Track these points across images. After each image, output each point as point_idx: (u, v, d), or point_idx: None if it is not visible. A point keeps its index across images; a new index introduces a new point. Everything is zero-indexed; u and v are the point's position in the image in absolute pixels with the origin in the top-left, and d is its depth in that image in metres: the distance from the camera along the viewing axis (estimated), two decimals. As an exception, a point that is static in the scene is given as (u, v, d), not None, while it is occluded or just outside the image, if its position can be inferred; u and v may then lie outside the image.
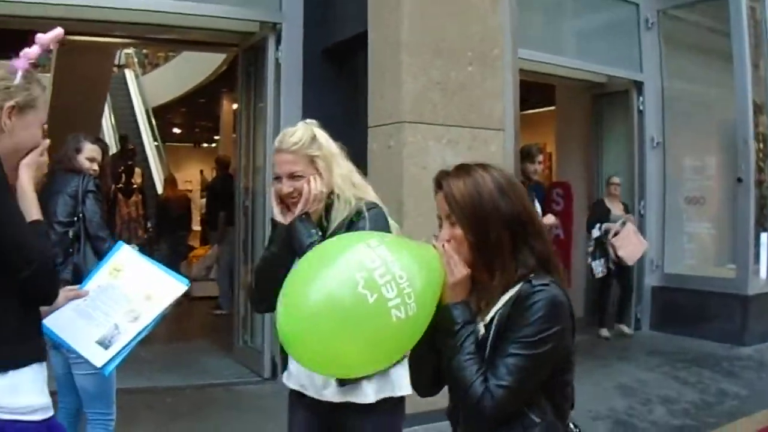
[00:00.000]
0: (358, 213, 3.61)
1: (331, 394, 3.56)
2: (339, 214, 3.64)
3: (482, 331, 2.61)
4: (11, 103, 2.72)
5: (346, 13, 8.30)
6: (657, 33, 11.43)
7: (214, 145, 30.69)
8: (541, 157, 8.73)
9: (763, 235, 10.68)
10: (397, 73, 6.98)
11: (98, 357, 3.41)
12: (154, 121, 24.74)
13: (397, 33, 7.02)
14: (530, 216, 2.69)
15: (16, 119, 2.75)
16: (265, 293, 3.41)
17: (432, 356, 2.71)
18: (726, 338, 9.60)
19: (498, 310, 2.59)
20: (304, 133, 3.59)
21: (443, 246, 2.62)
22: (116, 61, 22.90)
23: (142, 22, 8.77)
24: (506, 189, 2.64)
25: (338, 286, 2.43)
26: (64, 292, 3.34)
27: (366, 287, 2.39)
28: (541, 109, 14.42)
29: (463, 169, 2.69)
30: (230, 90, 21.11)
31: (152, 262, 3.66)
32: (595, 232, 11.06)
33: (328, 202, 3.66)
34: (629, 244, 10.92)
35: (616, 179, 11.24)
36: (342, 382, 3.50)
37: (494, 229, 2.60)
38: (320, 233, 3.55)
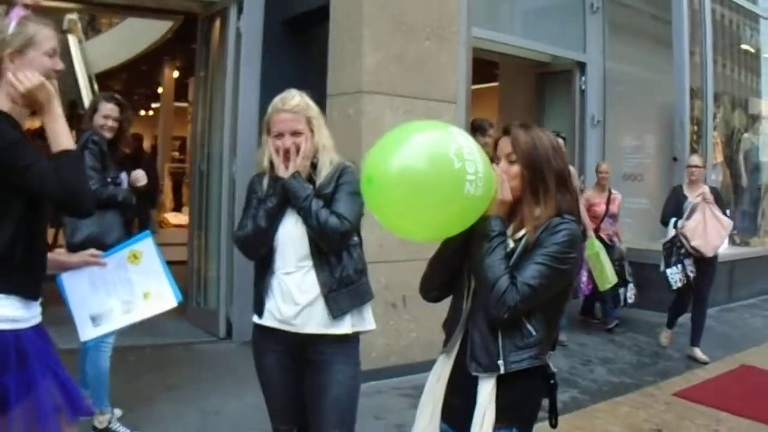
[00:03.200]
0: (343, 169, 4.04)
1: (314, 327, 3.95)
2: (324, 170, 4.01)
3: (511, 244, 3.14)
4: (9, 50, 3.12)
5: (309, -15, 8.45)
6: (602, 17, 11.79)
7: (151, 113, 30.46)
8: (491, 132, 8.91)
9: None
10: (358, 45, 7.27)
11: (86, 331, 3.71)
12: (97, 88, 24.39)
13: (359, 6, 7.29)
14: (568, 174, 3.27)
15: (19, 61, 3.13)
16: (266, 240, 3.95)
17: (452, 260, 3.26)
18: (660, 307, 9.96)
19: (527, 232, 3.13)
20: (301, 98, 4.01)
21: (501, 173, 3.16)
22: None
23: None
24: (557, 148, 3.25)
25: (432, 146, 2.91)
26: (85, 256, 3.74)
27: (455, 155, 2.87)
28: (483, 85, 14.60)
29: (526, 125, 3.28)
30: (173, 58, 21.02)
31: (164, 263, 3.86)
32: (671, 231, 9.16)
33: (314, 160, 4.02)
34: (705, 231, 8.90)
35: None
36: (336, 314, 3.95)
37: (545, 174, 3.16)
38: (311, 187, 3.95)
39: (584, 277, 9.67)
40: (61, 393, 3.17)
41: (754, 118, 14.86)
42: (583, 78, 11.62)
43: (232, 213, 8.43)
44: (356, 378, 4.14)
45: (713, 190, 9.50)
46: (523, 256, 3.08)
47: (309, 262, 3.97)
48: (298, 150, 3.94)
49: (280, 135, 3.95)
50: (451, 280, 3.34)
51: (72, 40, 27.57)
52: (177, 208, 17.11)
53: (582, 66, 11.65)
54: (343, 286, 4.00)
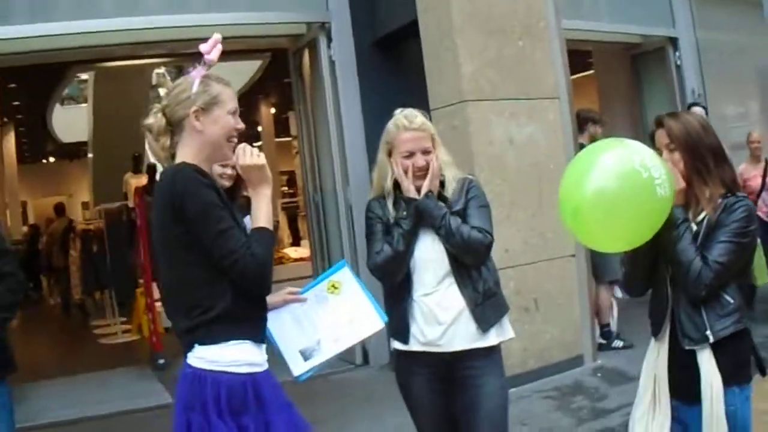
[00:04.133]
0: (469, 183, 4.10)
1: (460, 343, 3.96)
2: (450, 187, 4.04)
3: (694, 227, 3.46)
4: (195, 107, 3.26)
5: (393, 4, 8.56)
6: (686, -12, 11.54)
7: (257, 152, 30.81)
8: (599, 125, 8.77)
9: None
10: (454, 55, 7.31)
11: (298, 366, 3.77)
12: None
13: (448, 16, 7.33)
14: (722, 148, 3.56)
15: (204, 118, 3.28)
16: (404, 264, 3.97)
17: (650, 253, 3.54)
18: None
19: (707, 214, 3.45)
20: (423, 115, 4.05)
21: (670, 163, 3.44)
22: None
23: (179, 38, 8.91)
24: (706, 126, 3.54)
25: (620, 164, 3.21)
26: (285, 294, 3.85)
27: (640, 166, 3.16)
28: (579, 75, 14.48)
29: (675, 113, 3.68)
30: (267, 95, 21.10)
31: (364, 288, 3.88)
32: None
33: (441, 178, 4.04)
34: None
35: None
36: (484, 327, 3.97)
37: (702, 152, 3.46)
38: (444, 205, 3.98)
39: None
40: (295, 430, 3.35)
41: None
42: (677, 53, 11.35)
43: (353, 239, 8.53)
44: (505, 388, 4.17)
45: None
46: (708, 236, 3.41)
47: (449, 280, 3.98)
48: (425, 171, 3.95)
49: (410, 154, 3.94)
50: (650, 273, 3.65)
51: (163, 94, 28.11)
52: (295, 243, 17.25)
53: (674, 41, 11.40)
54: (487, 298, 4.01)
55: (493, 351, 4.06)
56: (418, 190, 3.93)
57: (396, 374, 4.22)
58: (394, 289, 4.01)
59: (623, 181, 3.17)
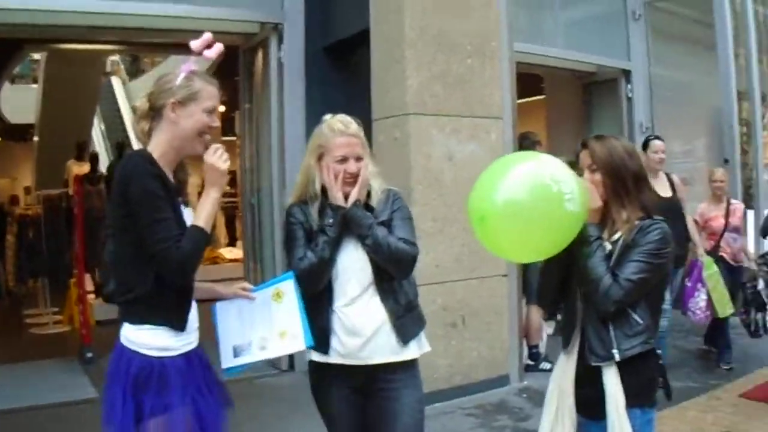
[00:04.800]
0: (394, 195, 4.06)
1: (381, 356, 3.91)
2: (377, 197, 3.99)
3: (608, 247, 3.55)
4: (173, 99, 3.43)
5: (347, 12, 8.53)
6: (644, 23, 11.64)
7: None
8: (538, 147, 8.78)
9: (750, 213, 10.52)
10: (401, 67, 7.26)
11: (227, 359, 3.89)
12: (142, 129, 24.50)
13: (400, 29, 7.29)
14: (645, 174, 3.69)
15: (180, 111, 3.44)
16: (329, 271, 3.91)
17: (562, 267, 3.65)
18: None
19: (622, 234, 3.54)
20: (358, 123, 4.00)
21: (588, 183, 3.55)
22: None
23: (134, 26, 8.80)
24: (631, 152, 3.65)
25: (530, 176, 3.28)
26: (237, 288, 3.96)
27: (551, 179, 3.22)
28: (530, 99, 14.53)
29: (601, 136, 3.70)
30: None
31: (302, 305, 3.85)
32: None
33: (368, 188, 3.99)
34: None
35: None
36: (405, 340, 3.94)
37: (623, 176, 3.55)
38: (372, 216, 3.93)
39: (702, 302, 8.49)
40: (197, 420, 3.45)
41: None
42: (629, 86, 11.46)
43: (286, 243, 8.35)
44: (422, 401, 4.11)
45: None
46: (622, 256, 3.50)
47: (371, 291, 3.93)
48: (355, 178, 3.91)
49: (344, 159, 3.88)
50: (562, 286, 3.76)
51: (116, 82, 27.90)
52: (231, 243, 17.18)
53: (627, 74, 11.51)
54: (408, 311, 3.98)
55: (412, 364, 4.03)
56: (346, 198, 3.88)
57: (312, 386, 4.15)
58: (315, 298, 3.92)
59: (532, 193, 3.23)
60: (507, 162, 3.50)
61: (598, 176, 3.57)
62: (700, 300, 8.46)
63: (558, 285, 3.77)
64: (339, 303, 3.92)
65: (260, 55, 9.11)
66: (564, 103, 12.92)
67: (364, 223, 3.84)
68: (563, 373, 3.73)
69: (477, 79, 7.72)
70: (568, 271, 3.66)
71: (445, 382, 7.34)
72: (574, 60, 11.06)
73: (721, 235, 9.01)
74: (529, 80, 12.36)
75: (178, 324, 3.45)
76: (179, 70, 3.52)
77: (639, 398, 3.52)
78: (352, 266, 3.92)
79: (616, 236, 3.57)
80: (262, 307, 3.87)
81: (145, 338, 3.37)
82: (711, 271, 8.49)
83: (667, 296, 7.72)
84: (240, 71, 9.73)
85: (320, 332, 3.89)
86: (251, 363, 3.89)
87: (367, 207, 3.95)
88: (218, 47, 3.71)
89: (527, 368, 8.47)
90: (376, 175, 4.04)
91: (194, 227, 3.40)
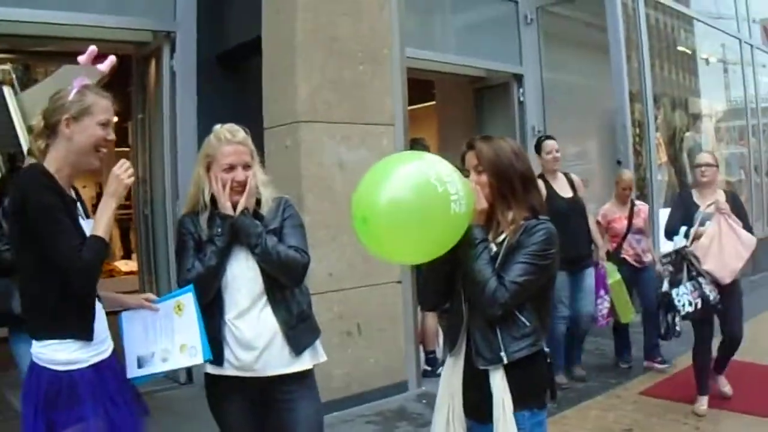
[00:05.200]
0: (285, 203, 4.09)
1: (275, 368, 3.94)
2: (267, 205, 4.02)
3: (494, 248, 3.52)
4: (66, 115, 3.50)
5: (240, 19, 8.46)
6: (536, 28, 11.77)
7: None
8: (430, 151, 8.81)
9: (664, 212, 10.42)
10: (292, 74, 7.25)
11: (132, 369, 3.91)
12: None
13: (291, 36, 7.27)
14: (533, 174, 3.68)
15: (74, 126, 3.52)
16: (217, 281, 3.92)
17: (444, 269, 3.60)
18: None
19: (507, 235, 3.51)
20: (245, 131, 4.03)
21: (474, 184, 3.50)
22: (-8, 79, 22.18)
23: (25, 34, 8.41)
24: (519, 153, 3.62)
25: (415, 176, 3.20)
26: (142, 299, 3.99)
27: (436, 180, 3.17)
28: (421, 105, 14.52)
29: (488, 137, 3.67)
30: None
31: (200, 319, 3.86)
32: (679, 240, 7.16)
33: (258, 196, 4.01)
34: (721, 250, 6.99)
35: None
36: (299, 351, 3.96)
37: (510, 177, 3.53)
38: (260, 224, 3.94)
39: (605, 309, 8.46)
40: (111, 430, 3.48)
41: (695, 117, 15.15)
42: (521, 90, 11.57)
43: (180, 256, 8.24)
44: (320, 412, 4.17)
45: (730, 195, 7.58)
46: (507, 258, 3.46)
47: (262, 301, 3.93)
48: (244, 186, 3.90)
49: (231, 168, 3.89)
50: (445, 289, 3.71)
51: (7, 91, 27.35)
52: (126, 256, 16.95)
53: (519, 78, 11.62)
54: (301, 321, 4.00)
55: (307, 375, 4.05)
56: (234, 206, 3.88)
57: (208, 398, 4.14)
58: (205, 309, 3.90)
59: (416, 193, 3.16)
60: (390, 162, 3.42)
61: (484, 177, 3.54)
62: (603, 307, 8.45)
63: (441, 287, 3.71)
64: (230, 315, 3.92)
65: (153, 64, 8.95)
66: (455, 109, 12.97)
67: (252, 232, 3.85)
68: (451, 376, 3.68)
69: (368, 85, 7.74)
70: (451, 273, 3.62)
71: (343, 390, 7.32)
72: (466, 65, 11.11)
73: (624, 237, 8.96)
74: (421, 86, 12.38)
75: (84, 334, 3.47)
76: (71, 86, 3.55)
77: (527, 400, 3.49)
78: (243, 276, 3.92)
79: (501, 237, 3.54)
80: (164, 318, 3.89)
81: (51, 353, 3.39)
82: (615, 279, 8.53)
83: (560, 303, 7.90)
84: (133, 81, 9.55)
85: (213, 344, 3.89)
86: (153, 374, 3.91)
87: (257, 216, 3.96)
88: (110, 60, 3.87)
89: (425, 374, 8.48)
90: (267, 183, 4.06)
91: (94, 237, 3.44)
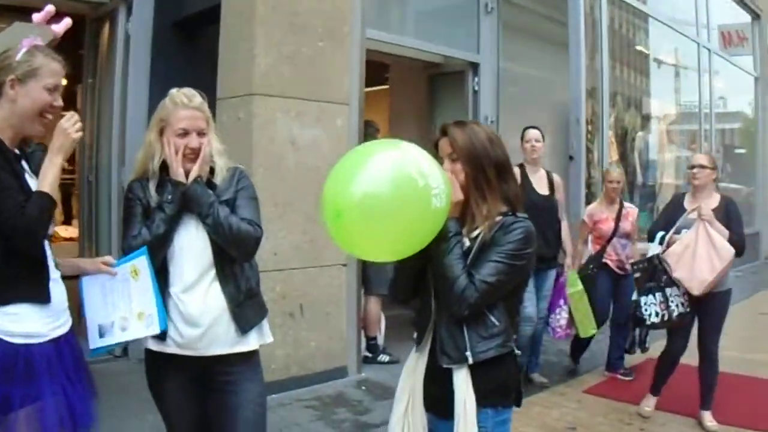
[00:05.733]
0: (240, 173, 3.94)
1: (219, 347, 3.79)
2: (221, 175, 3.86)
3: (467, 243, 3.34)
4: (12, 76, 3.29)
5: (199, -14, 8.26)
6: (496, 18, 11.59)
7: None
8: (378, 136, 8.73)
9: None
10: (250, 46, 7.11)
11: (94, 339, 3.77)
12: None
13: (251, 7, 7.13)
14: (509, 163, 3.44)
15: (19, 88, 3.31)
16: (164, 249, 3.76)
17: (417, 263, 3.38)
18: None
19: (482, 230, 3.31)
20: (202, 97, 3.87)
21: (450, 173, 3.31)
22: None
23: None
24: (494, 140, 3.40)
25: (394, 168, 2.98)
26: (99, 263, 3.81)
27: (417, 173, 2.96)
28: (375, 88, 14.41)
29: (462, 122, 3.47)
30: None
31: (155, 285, 3.71)
32: (655, 247, 6.90)
33: (211, 164, 3.86)
34: (694, 260, 6.61)
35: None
36: (245, 329, 3.82)
37: (485, 165, 3.32)
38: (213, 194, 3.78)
39: (563, 320, 8.10)
40: (67, 410, 3.34)
41: (647, 118, 15.31)
42: (476, 78, 11.41)
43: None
44: (264, 394, 4.02)
45: (725, 202, 7.00)
46: (480, 254, 3.29)
47: (210, 275, 3.78)
48: (197, 153, 3.76)
49: (185, 133, 3.73)
50: (416, 282, 3.53)
51: None
52: (67, 221, 16.70)
53: (475, 66, 11.44)
54: (249, 298, 3.86)
55: (252, 356, 3.93)
56: (187, 174, 3.73)
57: (148, 376, 3.98)
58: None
59: (396, 188, 2.93)
60: (366, 151, 3.19)
61: (458, 165, 3.34)
62: (561, 317, 8.08)
63: (410, 280, 3.55)
64: (176, 288, 3.78)
65: (107, 26, 8.78)
66: (409, 94, 12.85)
67: (204, 201, 3.70)
68: (414, 370, 3.53)
69: (327, 62, 7.64)
70: (423, 266, 3.45)
71: (283, 372, 7.24)
72: (423, 50, 10.94)
73: (609, 240, 8.41)
74: (375, 68, 12.29)
75: (40, 297, 3.33)
76: (21, 44, 3.34)
77: (492, 398, 3.34)
78: (191, 247, 3.78)
79: (475, 232, 3.35)
80: (122, 284, 3.74)
81: (8, 324, 3.22)
82: (575, 289, 8.05)
83: (528, 303, 7.51)
84: (85, 43, 9.37)
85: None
86: (115, 344, 3.81)
87: (210, 185, 3.81)
88: (66, 22, 3.61)
89: (365, 360, 8.44)
90: (222, 152, 3.91)
91: (38, 192, 3.29)
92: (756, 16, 20.04)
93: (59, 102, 3.44)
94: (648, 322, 6.73)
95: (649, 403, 7.11)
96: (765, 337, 10.81)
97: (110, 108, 8.50)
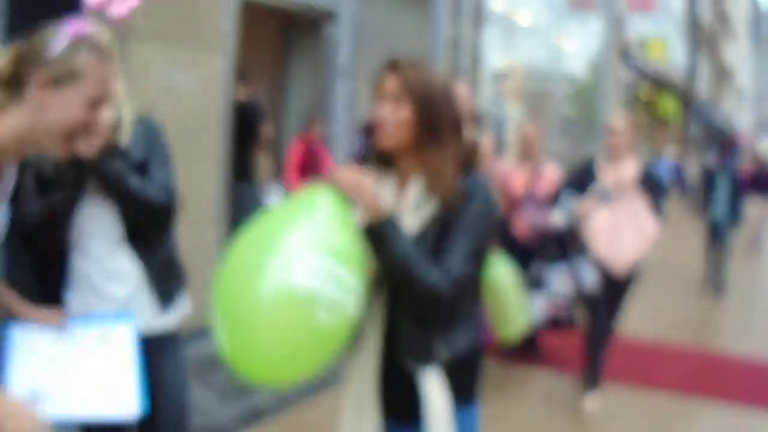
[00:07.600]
0: (149, 124, 3.62)
1: (138, 324, 3.37)
2: (125, 129, 3.47)
3: (412, 221, 2.81)
4: (44, 74, 2.33)
5: None
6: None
7: None
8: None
9: None
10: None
11: None
12: None
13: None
14: (462, 119, 2.89)
15: (49, 93, 2.33)
16: (64, 226, 3.35)
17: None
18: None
19: (434, 202, 2.80)
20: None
21: (341, 177, 2.70)
22: None
23: None
24: (452, 92, 2.88)
25: (277, 283, 2.43)
26: (47, 315, 3.13)
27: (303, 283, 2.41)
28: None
29: (418, 62, 2.87)
30: None
31: (139, 359, 3.17)
32: (560, 218, 6.40)
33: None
34: (618, 236, 6.21)
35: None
36: (163, 304, 3.53)
37: (441, 120, 2.80)
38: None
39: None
40: None
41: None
42: (334, 29, 11.22)
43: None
44: (183, 371, 3.75)
45: (645, 170, 6.51)
46: (441, 236, 2.77)
47: (122, 249, 3.42)
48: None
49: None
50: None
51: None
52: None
53: (333, 15, 11.21)
54: (167, 269, 3.57)
55: (173, 333, 3.66)
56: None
57: None
58: (47, 259, 3.40)
59: (274, 309, 2.42)
60: (263, 245, 2.59)
61: (405, 111, 2.78)
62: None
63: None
64: (81, 262, 3.40)
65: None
66: (260, 42, 12.47)
67: (110, 171, 3.27)
68: (361, 371, 2.90)
69: (201, 6, 7.27)
70: None
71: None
72: None
73: (519, 205, 7.57)
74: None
75: None
76: (61, 32, 2.37)
77: (461, 398, 2.91)
78: (98, 219, 3.39)
79: (426, 207, 2.82)
80: (82, 347, 3.11)
81: None
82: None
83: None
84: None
85: (58, 299, 3.40)
86: (53, 419, 2.84)
87: (116, 150, 3.37)
88: (131, 2, 2.97)
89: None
90: (125, 97, 3.51)
91: None
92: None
93: (96, 122, 2.44)
94: (550, 294, 6.29)
95: (592, 398, 6.71)
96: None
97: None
